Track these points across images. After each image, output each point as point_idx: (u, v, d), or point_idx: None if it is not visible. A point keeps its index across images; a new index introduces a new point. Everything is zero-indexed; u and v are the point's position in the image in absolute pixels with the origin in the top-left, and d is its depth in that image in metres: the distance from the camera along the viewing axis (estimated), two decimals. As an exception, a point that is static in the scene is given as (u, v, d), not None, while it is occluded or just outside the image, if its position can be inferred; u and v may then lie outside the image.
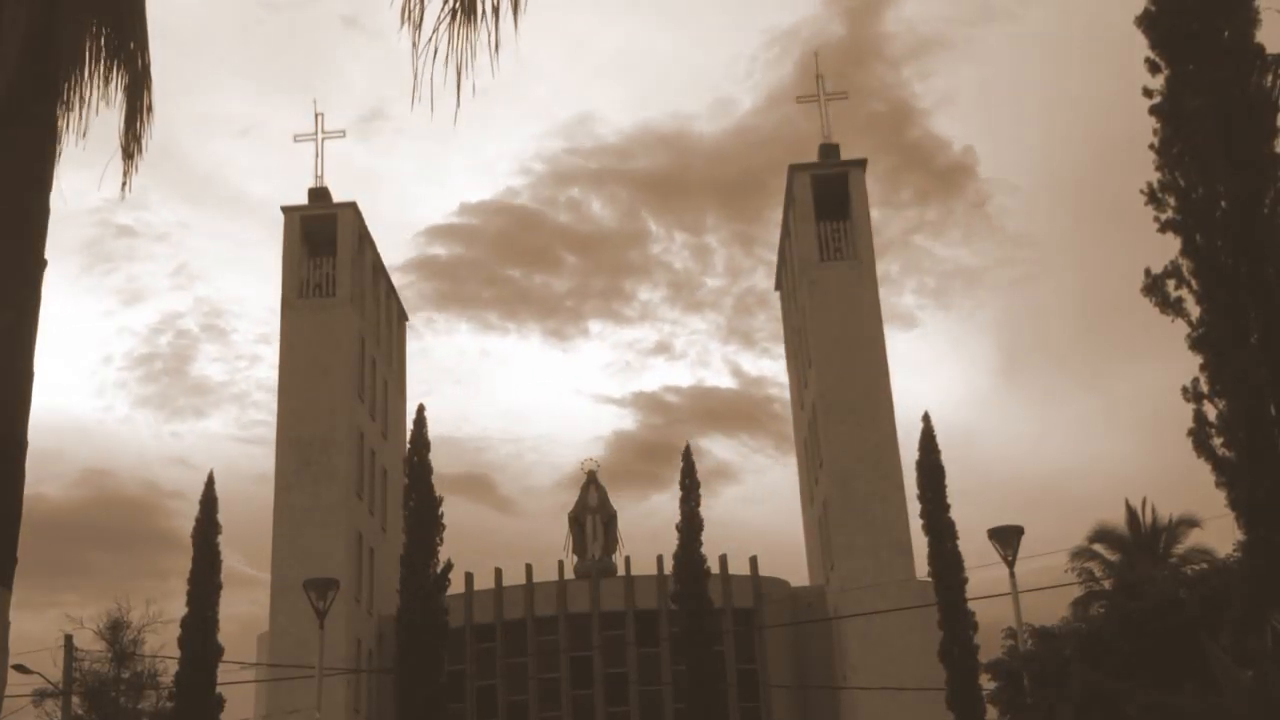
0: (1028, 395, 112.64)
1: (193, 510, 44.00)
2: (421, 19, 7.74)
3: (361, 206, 55.03)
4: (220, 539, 43.84)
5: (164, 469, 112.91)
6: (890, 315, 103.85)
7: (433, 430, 45.18)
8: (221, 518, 43.98)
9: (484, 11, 7.77)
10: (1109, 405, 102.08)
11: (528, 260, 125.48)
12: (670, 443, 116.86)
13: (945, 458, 42.76)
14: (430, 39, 7.67)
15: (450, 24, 7.71)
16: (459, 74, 7.62)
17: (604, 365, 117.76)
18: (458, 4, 7.75)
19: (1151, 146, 20.64)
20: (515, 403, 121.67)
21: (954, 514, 41.70)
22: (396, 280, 61.97)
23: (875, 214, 64.85)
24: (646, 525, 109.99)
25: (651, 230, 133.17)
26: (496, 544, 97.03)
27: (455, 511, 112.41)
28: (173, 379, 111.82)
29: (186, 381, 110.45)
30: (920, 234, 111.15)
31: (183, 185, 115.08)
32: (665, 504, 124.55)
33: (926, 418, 43.97)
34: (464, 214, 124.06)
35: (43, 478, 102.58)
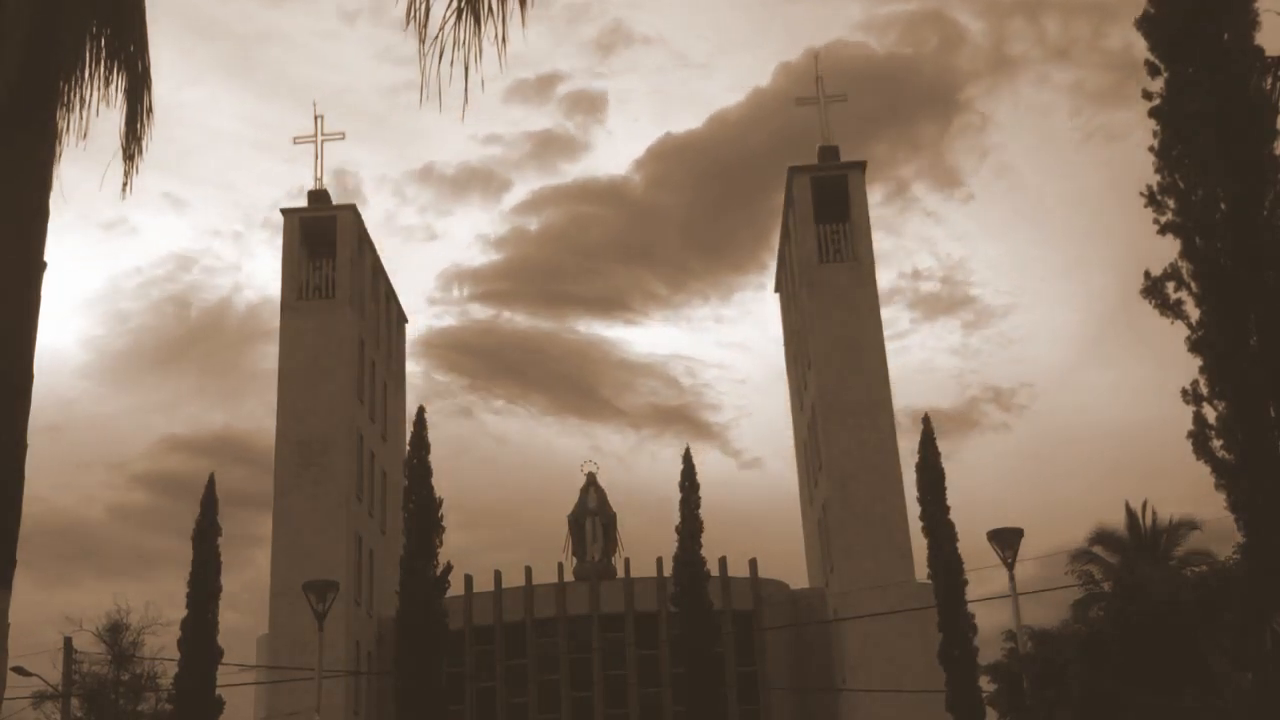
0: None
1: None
2: (427, 18, 7.79)
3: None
4: (220, 540, 43.80)
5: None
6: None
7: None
8: None
9: (489, 9, 7.82)
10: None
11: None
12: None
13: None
14: (436, 37, 7.73)
15: (456, 23, 7.74)
16: (466, 71, 7.67)
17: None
18: (463, 3, 7.79)
19: (1151, 149, 20.63)
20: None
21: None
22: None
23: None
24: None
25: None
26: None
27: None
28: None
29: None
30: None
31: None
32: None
33: (926, 419, 43.97)
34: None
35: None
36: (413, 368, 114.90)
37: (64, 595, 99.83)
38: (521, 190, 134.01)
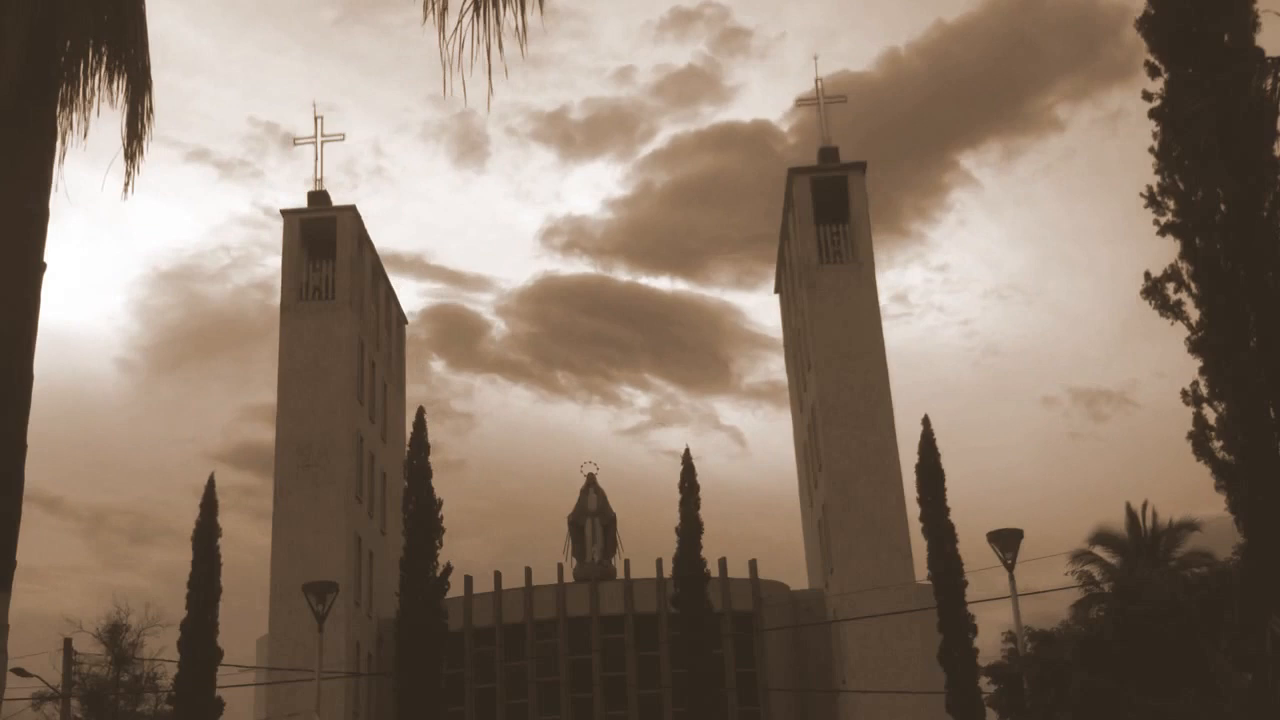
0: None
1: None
2: (445, 9, 7.84)
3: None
4: (220, 541, 43.84)
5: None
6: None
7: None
8: None
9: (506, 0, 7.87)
10: None
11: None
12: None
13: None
14: (456, 29, 7.79)
15: (474, 15, 7.79)
16: (489, 60, 7.73)
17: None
18: None
19: (1151, 150, 20.63)
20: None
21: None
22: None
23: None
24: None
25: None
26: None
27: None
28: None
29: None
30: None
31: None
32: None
33: (926, 420, 43.98)
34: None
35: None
36: (525, 324, 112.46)
37: (117, 579, 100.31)
38: (661, 138, 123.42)
